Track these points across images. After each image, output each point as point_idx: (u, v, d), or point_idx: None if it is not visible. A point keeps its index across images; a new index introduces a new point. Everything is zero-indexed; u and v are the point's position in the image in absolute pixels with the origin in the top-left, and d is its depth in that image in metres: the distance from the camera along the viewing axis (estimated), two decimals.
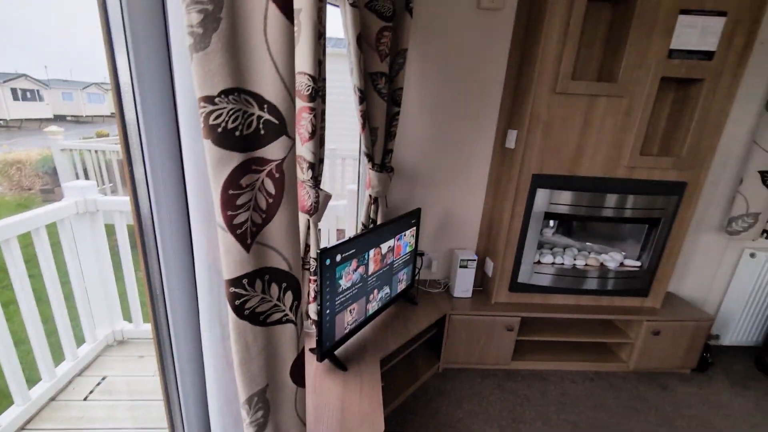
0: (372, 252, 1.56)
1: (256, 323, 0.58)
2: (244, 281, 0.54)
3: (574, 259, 2.04)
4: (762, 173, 1.87)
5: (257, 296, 0.57)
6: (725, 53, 1.58)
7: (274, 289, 0.59)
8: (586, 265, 2.02)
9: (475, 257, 2.04)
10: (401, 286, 1.91)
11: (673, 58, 1.58)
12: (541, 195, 1.82)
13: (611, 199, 1.81)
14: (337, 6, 1.42)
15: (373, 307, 1.68)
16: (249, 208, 0.52)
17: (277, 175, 0.54)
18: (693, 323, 1.99)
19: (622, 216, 1.86)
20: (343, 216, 2.37)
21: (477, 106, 1.94)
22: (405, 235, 1.82)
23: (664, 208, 1.83)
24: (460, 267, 2.05)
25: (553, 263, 2.02)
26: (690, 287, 2.32)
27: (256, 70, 0.49)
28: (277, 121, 0.52)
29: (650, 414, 1.84)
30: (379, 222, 1.84)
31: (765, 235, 1.97)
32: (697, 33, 1.54)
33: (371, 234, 1.53)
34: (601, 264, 2.02)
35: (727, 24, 1.54)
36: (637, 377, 2.09)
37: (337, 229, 2.67)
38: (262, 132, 0.52)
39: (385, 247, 1.65)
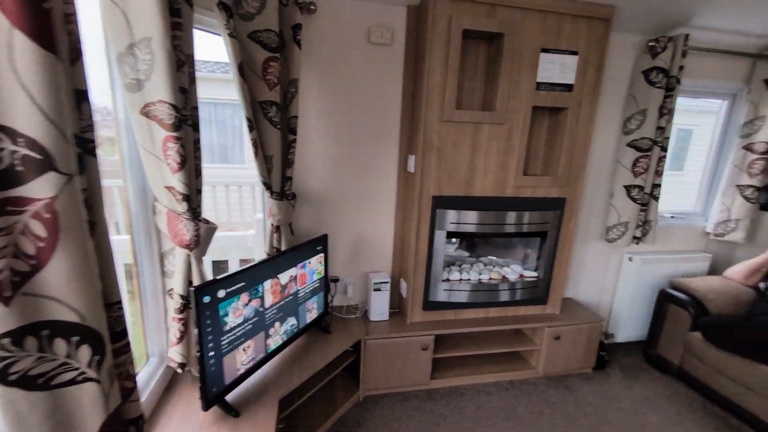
0: (268, 284, 1.49)
1: (32, 388, 0.50)
2: (5, 341, 0.47)
3: (480, 274, 2.14)
4: (626, 187, 2.15)
5: (30, 356, 0.49)
6: (581, 85, 1.83)
7: (60, 345, 0.52)
8: (491, 278, 2.13)
9: (388, 279, 2.05)
10: (312, 315, 1.85)
11: (541, 89, 1.79)
12: (442, 215, 1.91)
13: (504, 216, 1.95)
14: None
15: (275, 341, 1.59)
16: (6, 256, 0.46)
17: (47, 216, 0.48)
18: (588, 325, 2.18)
19: (516, 231, 2.01)
20: (253, 246, 2.27)
21: (379, 134, 2.01)
22: (310, 262, 1.78)
23: (549, 222, 2.01)
24: (374, 290, 2.05)
25: (460, 279, 2.10)
26: (585, 292, 2.55)
27: (3, 101, 0.44)
28: (40, 156, 0.47)
29: (556, 416, 1.94)
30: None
31: (636, 241, 2.24)
32: (558, 68, 1.76)
33: (265, 265, 1.47)
34: (503, 277, 2.14)
35: (579, 61, 1.78)
36: (545, 382, 2.21)
37: (240, 260, 2.55)
38: (20, 168, 0.46)
39: (285, 276, 1.59)
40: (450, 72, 1.68)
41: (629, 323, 2.53)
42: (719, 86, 2.35)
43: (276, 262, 1.54)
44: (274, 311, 1.56)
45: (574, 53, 1.77)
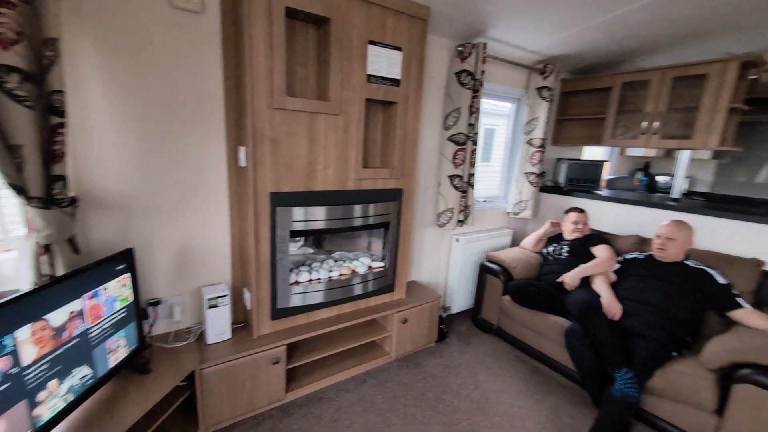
0: (26, 330, 1.04)
1: None
2: None
3: (330, 271, 2.08)
4: (450, 177, 2.43)
5: None
6: (407, 81, 1.94)
7: None
8: (341, 274, 2.09)
9: (227, 292, 1.77)
10: (118, 356, 1.42)
11: (372, 82, 1.81)
12: (284, 213, 1.74)
13: (350, 210, 1.92)
14: None
15: (53, 407, 1.14)
16: None
17: None
18: (429, 304, 2.39)
19: (362, 224, 2.01)
20: (15, 275, 1.61)
21: (198, 120, 1.69)
22: (107, 288, 1.35)
23: (391, 213, 2.09)
24: (210, 307, 1.73)
25: (311, 280, 1.99)
26: (426, 274, 2.81)
27: None
28: None
29: (408, 397, 2.06)
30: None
31: (460, 224, 2.57)
32: (385, 62, 1.81)
33: (17, 304, 1.01)
34: (353, 271, 2.13)
35: (404, 58, 1.88)
36: (398, 364, 2.33)
37: None
38: None
39: (60, 315, 1.15)
40: (276, 53, 1.52)
41: (461, 295, 2.91)
42: (509, 92, 2.91)
43: (41, 296, 1.09)
44: (45, 367, 1.11)
45: (399, 49, 1.85)
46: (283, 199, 1.73)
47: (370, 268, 2.20)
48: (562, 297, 2.21)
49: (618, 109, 2.82)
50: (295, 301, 1.91)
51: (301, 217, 1.79)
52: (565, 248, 2.52)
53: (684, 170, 2.68)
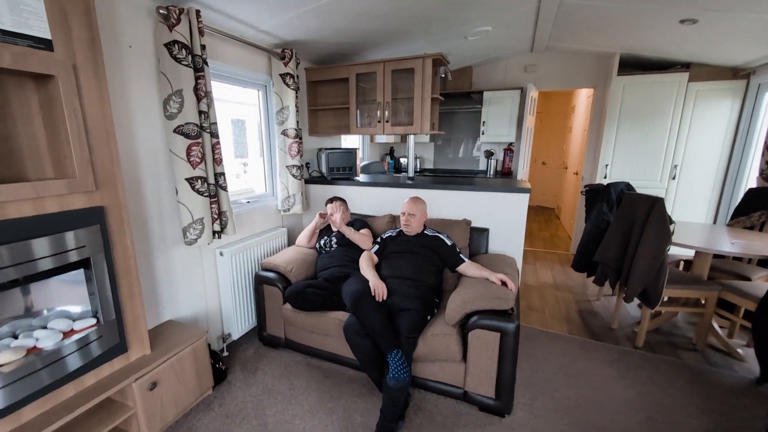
0: None
1: None
2: None
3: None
4: (188, 180, 1.90)
5: None
6: (69, 44, 1.27)
7: None
8: (26, 354, 1.25)
9: None
10: None
11: None
12: None
13: None
14: None
15: None
16: None
17: None
18: (191, 346, 1.83)
19: (31, 273, 1.24)
20: None
21: None
22: None
23: (89, 244, 1.40)
24: None
25: None
26: (188, 306, 2.19)
27: None
28: None
29: None
30: None
31: (216, 235, 2.10)
32: (5, 5, 1.09)
33: None
34: (34, 348, 1.32)
35: (51, 4, 1.20)
36: None
37: None
38: None
39: None
40: None
41: (242, 316, 2.47)
42: (252, 77, 2.58)
43: None
44: None
45: None
46: None
47: (71, 332, 1.44)
48: (339, 289, 2.15)
49: (358, 99, 2.99)
50: None
51: None
52: (334, 239, 2.49)
53: (413, 153, 3.15)
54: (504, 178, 4.28)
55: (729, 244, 2.26)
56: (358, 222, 2.55)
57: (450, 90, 4.67)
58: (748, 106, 3.39)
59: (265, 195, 2.91)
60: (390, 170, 5.11)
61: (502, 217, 2.55)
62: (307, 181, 3.13)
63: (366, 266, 2.14)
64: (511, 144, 4.74)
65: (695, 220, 3.80)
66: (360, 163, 4.22)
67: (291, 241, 2.97)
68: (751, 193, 2.78)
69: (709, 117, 3.58)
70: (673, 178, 3.82)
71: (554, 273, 3.93)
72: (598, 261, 2.69)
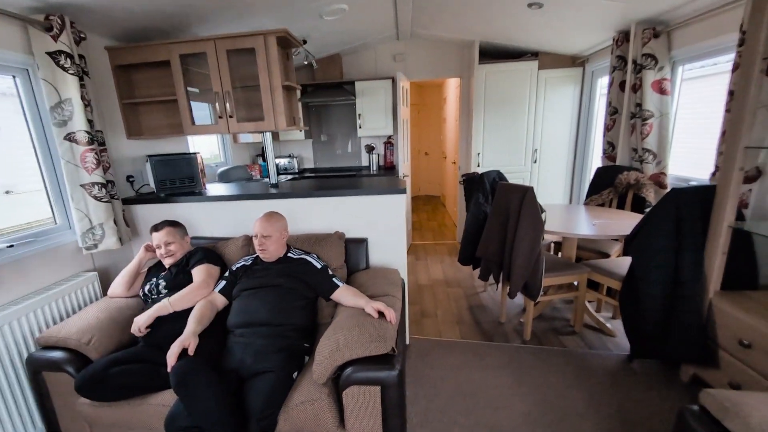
0: None
1: None
2: None
3: None
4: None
5: None
6: None
7: None
8: None
9: None
10: None
11: None
12: None
13: None
14: None
15: None
16: None
17: None
18: None
19: None
20: None
21: None
22: None
23: None
24: None
25: None
26: None
27: None
28: None
29: None
30: None
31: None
32: None
33: None
34: None
35: None
36: None
37: None
38: None
39: None
40: None
41: (14, 424, 1.62)
42: None
43: None
44: None
45: None
46: None
47: None
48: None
49: (188, 89, 2.30)
50: None
51: None
52: (162, 282, 1.81)
53: (271, 154, 2.60)
54: (385, 175, 4.03)
55: (591, 225, 2.34)
56: (199, 253, 1.91)
57: (320, 80, 4.20)
58: (586, 91, 3.74)
59: (54, 229, 2.01)
60: (263, 175, 4.42)
61: (380, 223, 2.21)
62: (130, 201, 2.32)
63: (192, 318, 1.56)
64: (390, 137, 4.53)
65: (556, 201, 4.13)
66: (219, 171, 3.47)
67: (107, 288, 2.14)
68: (599, 171, 3.02)
69: (557, 102, 3.87)
70: (535, 162, 4.07)
71: (444, 267, 3.85)
72: (481, 257, 2.58)
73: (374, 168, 4.48)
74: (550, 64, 3.78)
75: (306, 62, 3.51)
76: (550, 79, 3.82)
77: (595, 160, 3.75)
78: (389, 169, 4.46)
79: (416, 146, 7.64)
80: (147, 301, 1.82)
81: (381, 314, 1.52)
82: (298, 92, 3.93)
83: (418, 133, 7.58)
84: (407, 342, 2.44)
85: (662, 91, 2.54)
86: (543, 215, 2.16)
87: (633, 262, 2.01)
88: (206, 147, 3.84)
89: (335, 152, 4.77)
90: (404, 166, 4.04)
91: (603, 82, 3.55)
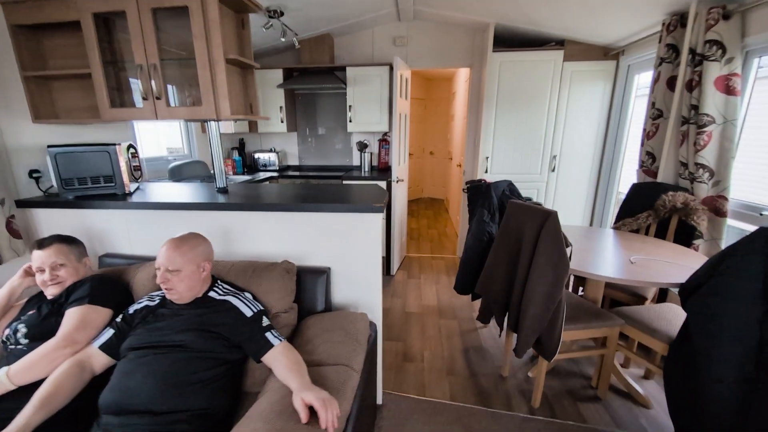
0: None
1: None
2: None
3: None
4: None
5: None
6: None
7: None
8: None
9: None
10: None
11: None
12: None
13: None
14: None
15: None
16: None
17: None
18: None
19: None
20: None
21: None
22: None
23: None
24: None
25: None
26: None
27: None
28: None
29: None
30: None
31: None
32: None
33: None
34: None
35: None
36: None
37: None
38: None
39: None
40: None
41: None
42: None
43: None
44: None
45: None
46: None
47: None
48: None
49: (106, 59, 1.76)
50: None
51: None
52: (22, 328, 1.28)
53: (218, 148, 2.04)
54: (378, 177, 3.47)
55: (628, 262, 1.76)
56: (86, 285, 1.38)
57: (307, 64, 3.64)
58: (619, 89, 3.13)
59: None
60: (238, 171, 3.89)
61: (349, 249, 1.66)
62: (28, 204, 1.80)
63: (34, 399, 1.03)
64: (386, 134, 3.96)
65: (575, 216, 3.54)
66: (171, 166, 2.93)
67: None
68: (635, 189, 2.43)
69: (585, 101, 3.26)
70: (553, 170, 3.48)
71: (439, 288, 3.29)
72: (480, 294, 2.02)
73: (366, 169, 3.92)
74: (578, 56, 3.17)
75: (283, 39, 2.95)
76: (577, 74, 3.21)
77: (626, 174, 3.15)
78: (384, 170, 3.89)
79: (421, 145, 7.06)
80: (6, 350, 1.30)
81: (315, 411, 0.97)
82: (279, 76, 3.33)
83: (423, 130, 6.99)
84: (379, 401, 1.89)
85: (729, 91, 1.94)
86: (568, 250, 1.59)
87: (690, 324, 1.44)
88: (170, 137, 3.32)
89: (323, 148, 4.21)
90: (399, 169, 3.47)
91: (642, 80, 2.94)
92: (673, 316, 1.78)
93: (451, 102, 6.27)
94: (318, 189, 1.98)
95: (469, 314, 2.81)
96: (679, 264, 1.73)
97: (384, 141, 3.95)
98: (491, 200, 2.37)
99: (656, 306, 1.93)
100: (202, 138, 3.52)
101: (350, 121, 3.69)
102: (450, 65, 3.70)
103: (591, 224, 3.52)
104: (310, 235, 1.66)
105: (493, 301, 1.95)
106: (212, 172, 3.20)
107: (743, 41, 1.93)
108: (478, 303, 2.94)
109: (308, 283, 1.60)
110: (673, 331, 1.65)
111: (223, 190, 1.97)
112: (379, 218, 1.62)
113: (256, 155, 4.07)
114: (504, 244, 1.87)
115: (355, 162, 4.18)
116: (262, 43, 3.46)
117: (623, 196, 2.49)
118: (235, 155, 3.93)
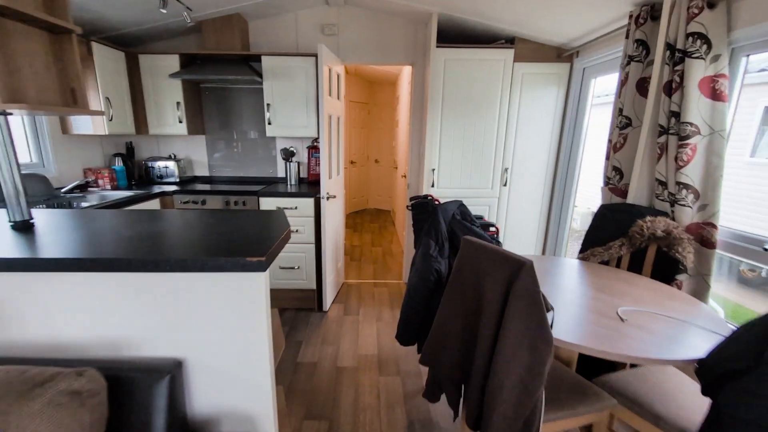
0: None
1: None
2: None
3: None
4: None
5: None
6: None
7: None
8: None
9: None
10: None
11: None
12: None
13: None
14: None
15: None
16: None
17: None
18: None
19: None
20: None
21: None
22: None
23: None
24: None
25: None
26: None
27: None
28: None
29: None
30: None
31: None
32: None
33: None
34: None
35: None
36: None
37: None
38: None
39: None
40: None
41: None
42: None
43: None
44: None
45: None
46: None
47: None
48: None
49: None
50: None
51: None
52: None
53: (4, 156, 1.28)
54: (308, 192, 2.82)
55: (617, 316, 1.30)
56: None
57: (212, 50, 2.89)
58: (573, 95, 2.81)
59: None
60: (120, 184, 3.01)
61: (212, 327, 1.01)
62: None
63: None
64: (316, 140, 3.32)
65: (528, 237, 3.16)
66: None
67: None
68: (603, 211, 2.05)
69: (537, 108, 2.90)
70: (505, 185, 3.08)
71: (381, 328, 2.71)
72: (427, 365, 1.46)
73: (293, 181, 3.25)
74: (529, 56, 2.80)
75: (164, 10, 2.21)
76: (529, 76, 2.84)
77: (585, 191, 2.83)
78: (314, 183, 3.25)
79: (365, 152, 6.51)
80: None
81: None
82: (174, 63, 2.50)
83: (367, 136, 6.46)
84: None
85: (716, 96, 1.60)
86: (550, 316, 1.07)
87: (727, 427, 0.98)
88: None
89: (240, 156, 3.46)
90: (331, 183, 2.86)
91: (600, 85, 2.63)
92: (679, 392, 1.35)
93: (396, 107, 5.80)
94: (188, 225, 1.30)
95: (415, 367, 2.26)
96: (681, 320, 1.30)
97: (314, 149, 3.31)
98: (439, 227, 1.84)
99: (653, 370, 1.50)
100: (65, 142, 2.61)
101: (269, 123, 3.00)
102: (389, 61, 3.18)
103: (544, 247, 3.17)
104: (148, 307, 0.98)
105: (444, 376, 1.39)
106: (112, 182, 2.33)
107: (729, 36, 1.60)
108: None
109: (139, 393, 0.92)
110: (686, 420, 1.21)
111: (21, 226, 1.21)
112: (260, 278, 0.98)
113: (151, 164, 3.21)
114: (458, 299, 1.33)
115: (281, 173, 3.49)
116: (151, 21, 2.67)
117: (579, 216, 2.10)
118: (118, 164, 3.04)
